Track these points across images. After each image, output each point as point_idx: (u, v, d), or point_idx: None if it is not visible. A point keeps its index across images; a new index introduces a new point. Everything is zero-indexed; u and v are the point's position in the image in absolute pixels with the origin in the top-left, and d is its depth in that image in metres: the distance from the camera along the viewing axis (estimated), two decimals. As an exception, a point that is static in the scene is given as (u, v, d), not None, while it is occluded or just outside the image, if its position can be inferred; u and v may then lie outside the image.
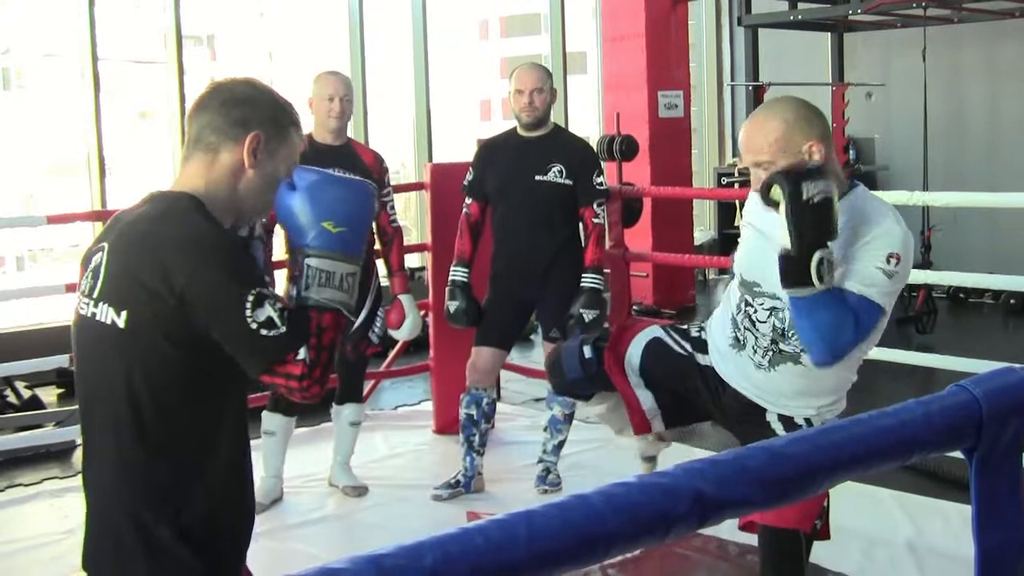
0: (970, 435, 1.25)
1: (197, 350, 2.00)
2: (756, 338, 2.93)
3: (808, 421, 2.98)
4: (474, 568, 0.87)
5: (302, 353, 2.03)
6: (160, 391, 2.02)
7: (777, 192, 2.64)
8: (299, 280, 2.15)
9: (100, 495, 2.10)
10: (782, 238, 2.64)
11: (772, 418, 2.99)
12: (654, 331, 3.17)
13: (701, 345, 3.11)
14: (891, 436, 1.17)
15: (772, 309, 2.89)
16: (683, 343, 3.13)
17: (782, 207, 2.63)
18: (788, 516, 2.87)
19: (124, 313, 2.02)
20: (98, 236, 2.18)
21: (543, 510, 0.93)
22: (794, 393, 2.95)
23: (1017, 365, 1.34)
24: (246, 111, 2.14)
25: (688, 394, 3.14)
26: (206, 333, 1.99)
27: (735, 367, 3.00)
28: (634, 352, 3.15)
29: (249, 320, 1.98)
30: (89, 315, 2.09)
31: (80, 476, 2.19)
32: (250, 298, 1.99)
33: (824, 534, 3.01)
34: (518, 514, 0.92)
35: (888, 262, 2.72)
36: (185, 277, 1.98)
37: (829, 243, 2.63)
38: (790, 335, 2.87)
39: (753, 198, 2.93)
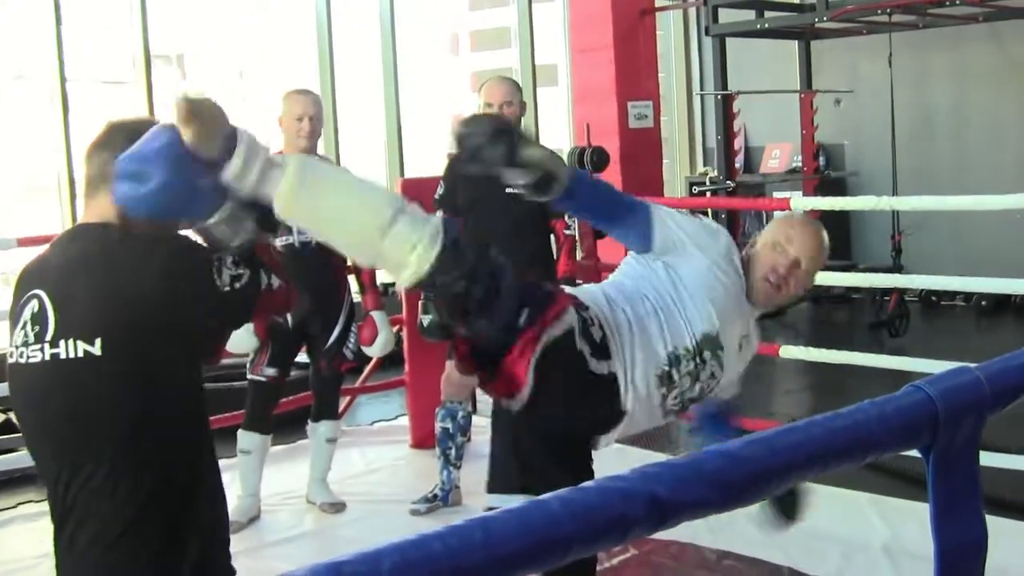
0: (926, 434, 1.26)
1: (174, 376, 2.02)
2: None
3: None
4: (432, 573, 0.88)
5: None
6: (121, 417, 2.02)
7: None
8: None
9: (66, 520, 2.08)
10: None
11: None
12: None
13: None
14: (846, 436, 1.19)
15: None
16: None
17: None
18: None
19: (98, 340, 2.01)
20: (19, 289, 2.13)
21: (500, 515, 0.94)
22: None
23: (972, 364, 1.36)
24: None
25: None
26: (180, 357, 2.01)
27: None
28: None
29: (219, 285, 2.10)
30: (47, 358, 2.04)
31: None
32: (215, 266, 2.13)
33: None
34: (475, 519, 0.94)
35: None
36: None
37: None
38: None
39: None
